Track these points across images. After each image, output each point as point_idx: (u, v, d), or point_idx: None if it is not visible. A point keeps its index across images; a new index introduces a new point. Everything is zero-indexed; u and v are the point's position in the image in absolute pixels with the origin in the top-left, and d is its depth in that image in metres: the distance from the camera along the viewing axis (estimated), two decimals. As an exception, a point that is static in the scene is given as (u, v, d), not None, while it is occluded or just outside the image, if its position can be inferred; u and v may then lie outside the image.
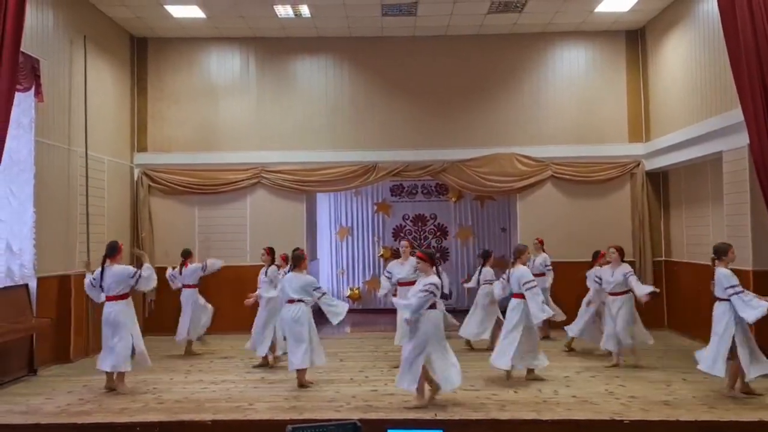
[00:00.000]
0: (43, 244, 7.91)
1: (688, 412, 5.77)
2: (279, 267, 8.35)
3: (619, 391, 6.55)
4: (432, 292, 5.99)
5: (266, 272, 8.22)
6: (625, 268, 7.79)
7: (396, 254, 9.19)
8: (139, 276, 6.86)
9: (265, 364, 8.04)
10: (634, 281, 7.63)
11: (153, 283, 7.11)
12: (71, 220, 8.77)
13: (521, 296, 6.99)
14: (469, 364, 7.94)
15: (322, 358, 7.03)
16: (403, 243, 8.99)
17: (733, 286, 6.16)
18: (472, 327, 8.90)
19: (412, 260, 8.17)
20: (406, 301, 6.17)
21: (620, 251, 7.91)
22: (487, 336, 8.85)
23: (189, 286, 8.83)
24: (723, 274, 6.23)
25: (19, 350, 7.51)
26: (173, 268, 8.97)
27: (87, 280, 7.00)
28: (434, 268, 6.21)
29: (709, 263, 9.17)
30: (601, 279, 8.05)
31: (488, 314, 8.85)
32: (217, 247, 10.28)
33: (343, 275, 13.84)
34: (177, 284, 8.90)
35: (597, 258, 8.52)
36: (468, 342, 9.00)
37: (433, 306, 6.08)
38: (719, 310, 6.30)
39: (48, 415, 5.97)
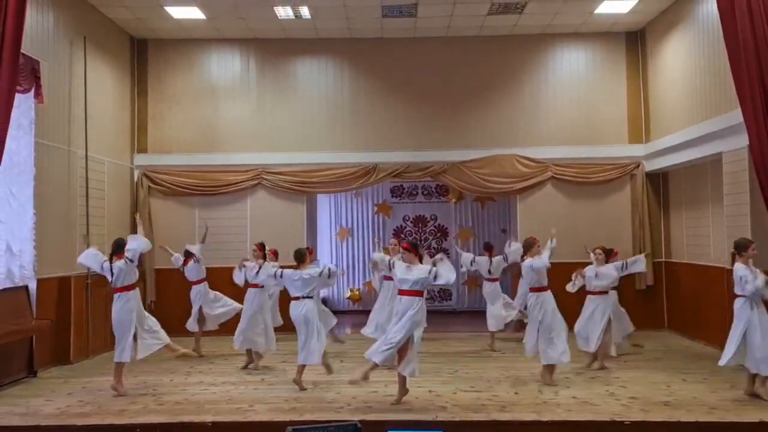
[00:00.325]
0: (43, 245, 7.90)
1: (688, 413, 5.77)
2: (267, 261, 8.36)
3: (619, 392, 6.55)
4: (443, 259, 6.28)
5: (258, 269, 7.94)
6: (607, 267, 8.00)
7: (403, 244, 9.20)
8: (131, 254, 6.82)
9: (251, 362, 8.05)
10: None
11: (141, 245, 6.99)
12: (71, 222, 8.76)
13: (536, 290, 7.08)
14: (468, 365, 7.97)
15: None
16: (392, 241, 9.05)
17: (743, 277, 6.16)
18: (493, 321, 9.08)
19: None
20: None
21: (606, 252, 8.09)
22: (502, 326, 9.12)
23: (195, 283, 8.85)
24: (738, 269, 6.26)
25: (19, 352, 7.51)
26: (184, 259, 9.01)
27: (90, 254, 6.99)
28: (419, 258, 6.36)
29: (709, 263, 9.20)
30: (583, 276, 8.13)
31: (504, 305, 9.13)
32: (217, 248, 10.25)
33: (343, 276, 13.83)
34: (178, 265, 8.97)
35: (610, 256, 8.57)
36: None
37: (420, 294, 6.21)
38: (737, 305, 6.31)
39: (48, 417, 5.96)
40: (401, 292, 6.31)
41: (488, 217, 13.74)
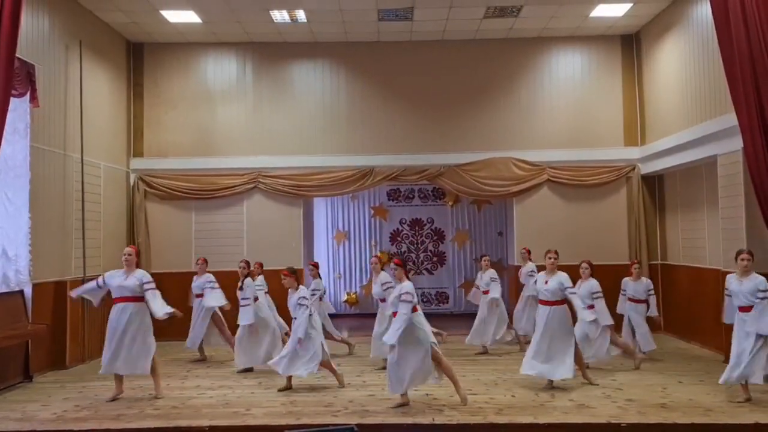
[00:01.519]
0: (38, 249, 7.88)
1: (684, 415, 5.78)
2: (253, 277, 8.31)
3: (616, 395, 6.56)
4: (410, 301, 6.11)
5: (241, 284, 8.00)
6: (591, 283, 7.71)
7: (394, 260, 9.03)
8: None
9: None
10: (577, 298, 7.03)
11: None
12: (67, 226, 8.74)
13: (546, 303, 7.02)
14: (466, 368, 7.96)
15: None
16: (372, 259, 8.46)
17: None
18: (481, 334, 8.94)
19: (383, 276, 7.99)
20: (396, 326, 6.14)
21: (592, 266, 7.85)
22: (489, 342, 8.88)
23: (199, 295, 8.82)
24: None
25: (15, 357, 7.48)
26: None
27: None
28: (406, 274, 6.39)
29: (705, 266, 9.23)
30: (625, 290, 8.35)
31: (492, 321, 8.89)
32: (214, 252, 10.25)
33: (340, 279, 13.84)
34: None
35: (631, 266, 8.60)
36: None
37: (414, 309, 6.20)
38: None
39: (44, 422, 5.94)
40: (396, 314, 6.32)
41: (485, 220, 13.76)
